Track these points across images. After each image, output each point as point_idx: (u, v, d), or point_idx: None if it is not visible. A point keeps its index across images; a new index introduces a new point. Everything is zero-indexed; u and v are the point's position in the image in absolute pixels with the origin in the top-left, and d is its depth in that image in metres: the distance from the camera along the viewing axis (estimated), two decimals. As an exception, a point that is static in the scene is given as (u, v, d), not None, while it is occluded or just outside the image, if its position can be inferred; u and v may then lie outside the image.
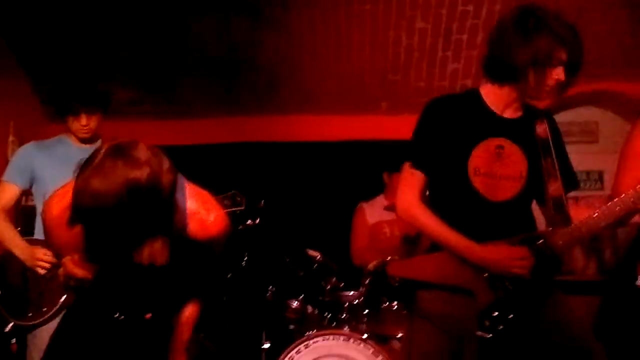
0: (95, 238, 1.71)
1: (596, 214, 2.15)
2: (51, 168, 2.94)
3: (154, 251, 1.84)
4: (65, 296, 2.79)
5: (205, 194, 2.07)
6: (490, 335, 2.11)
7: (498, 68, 2.22)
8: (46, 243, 2.84)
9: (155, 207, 1.67)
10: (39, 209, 2.96)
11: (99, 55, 4.65)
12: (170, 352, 2.16)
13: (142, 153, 1.65)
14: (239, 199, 3.34)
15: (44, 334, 2.76)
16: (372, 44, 4.71)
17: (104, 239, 1.70)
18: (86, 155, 2.90)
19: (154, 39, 4.66)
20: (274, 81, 4.99)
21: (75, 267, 1.98)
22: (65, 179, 2.88)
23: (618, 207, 2.13)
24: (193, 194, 1.96)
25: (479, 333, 2.12)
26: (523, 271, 2.14)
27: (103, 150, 1.66)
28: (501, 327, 2.12)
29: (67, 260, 2.05)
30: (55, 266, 2.77)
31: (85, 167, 1.65)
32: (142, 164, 1.63)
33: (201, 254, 2.04)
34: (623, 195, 2.14)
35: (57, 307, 2.79)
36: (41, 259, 2.78)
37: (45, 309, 2.80)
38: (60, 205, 1.84)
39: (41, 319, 2.80)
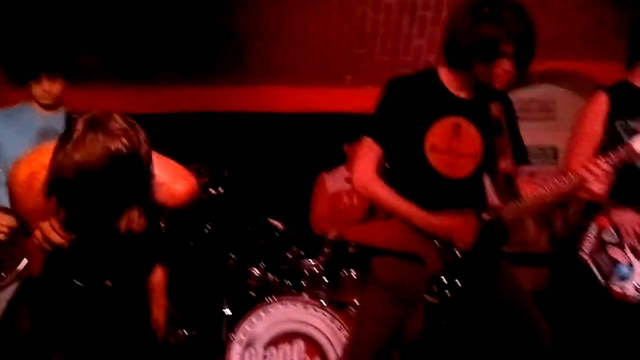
0: (76, 209, 1.74)
1: (544, 190, 2.24)
2: (12, 135, 2.92)
3: (132, 219, 1.88)
4: (24, 263, 2.80)
5: (172, 163, 2.10)
6: (438, 301, 2.21)
7: (449, 53, 2.28)
8: (8, 209, 2.86)
9: (135, 176, 1.71)
10: (2, 178, 2.95)
11: (62, 21, 4.57)
12: (153, 317, 2.21)
13: (120, 124, 1.68)
14: (203, 170, 3.36)
15: (2, 301, 2.75)
16: (338, 18, 4.72)
17: (85, 210, 1.73)
18: (49, 122, 2.96)
19: (119, 6, 4.59)
20: (240, 52, 4.97)
21: (52, 232, 2.00)
22: (29, 146, 2.88)
23: (564, 185, 2.21)
24: (161, 164, 2.00)
25: (427, 298, 2.22)
26: (466, 239, 2.24)
27: (81, 124, 1.67)
28: (448, 293, 2.22)
29: (45, 225, 2.06)
30: (14, 231, 2.78)
31: (64, 142, 1.67)
32: (121, 135, 1.66)
33: (169, 220, 2.08)
34: (570, 174, 2.21)
35: (16, 273, 2.80)
36: None
37: (3, 274, 2.81)
38: (26, 171, 1.87)
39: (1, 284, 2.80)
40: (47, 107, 3.01)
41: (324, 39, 4.91)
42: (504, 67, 2.19)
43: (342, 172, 4.35)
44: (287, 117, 5.18)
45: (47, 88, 2.92)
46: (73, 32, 4.60)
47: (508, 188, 2.33)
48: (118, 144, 1.64)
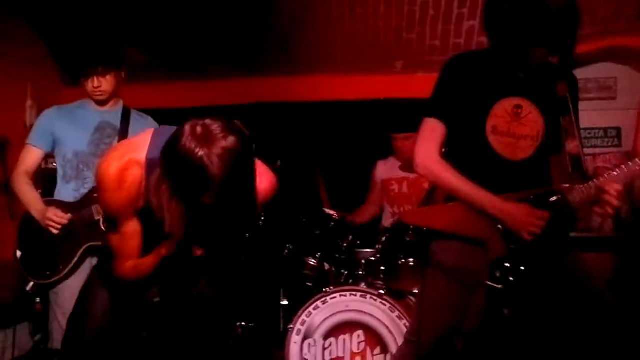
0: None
1: (615, 172, 2.15)
2: (71, 131, 3.01)
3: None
4: (79, 254, 2.88)
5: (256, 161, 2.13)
6: (500, 286, 2.15)
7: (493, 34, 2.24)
8: (64, 203, 2.92)
9: (249, 168, 1.76)
10: (60, 172, 3.04)
11: (112, 19, 4.64)
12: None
13: (219, 126, 1.71)
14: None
15: (66, 292, 2.87)
16: (387, 2, 4.65)
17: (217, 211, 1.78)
18: (105, 118, 3.04)
19: (167, 2, 4.63)
20: (288, 41, 4.95)
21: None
22: (88, 141, 2.98)
23: (638, 167, 2.13)
24: None
25: (489, 283, 2.16)
26: (535, 231, 2.16)
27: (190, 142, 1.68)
28: (512, 278, 2.15)
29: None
30: (66, 226, 2.86)
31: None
32: (227, 132, 1.69)
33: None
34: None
35: (73, 264, 2.88)
36: (50, 218, 2.84)
37: (61, 267, 2.89)
38: (118, 166, 1.91)
39: (57, 277, 2.88)
40: (100, 103, 3.06)
41: (372, 24, 4.84)
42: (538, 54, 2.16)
43: (393, 160, 4.35)
44: (337, 105, 5.14)
45: (96, 84, 2.96)
46: (122, 28, 4.67)
47: (576, 170, 2.24)
48: (232, 140, 1.68)
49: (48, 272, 2.89)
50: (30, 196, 2.97)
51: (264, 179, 2.05)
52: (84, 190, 2.96)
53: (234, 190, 1.69)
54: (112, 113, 3.09)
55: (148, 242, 2.06)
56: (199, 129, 1.68)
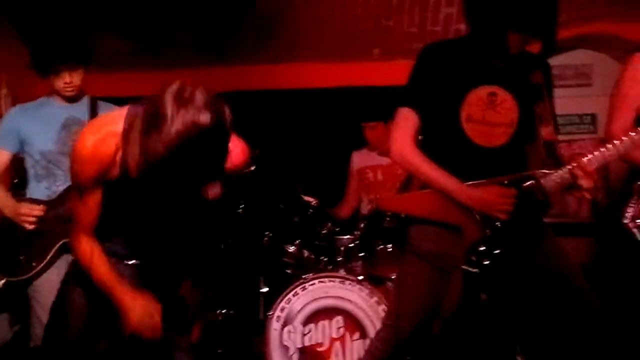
0: (163, 182, 1.75)
1: (589, 157, 2.19)
2: (37, 130, 2.94)
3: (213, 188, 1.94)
4: (54, 250, 2.85)
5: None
6: (476, 269, 2.18)
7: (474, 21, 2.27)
8: (37, 199, 2.89)
9: (220, 148, 1.73)
10: (31, 171, 2.98)
11: (87, 6, 4.57)
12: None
13: (205, 98, 1.68)
14: None
15: (44, 288, 2.83)
16: (364, -11, 4.65)
17: (172, 182, 1.75)
18: (72, 112, 2.99)
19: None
20: (266, 29, 4.93)
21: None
22: (56, 138, 2.93)
23: (609, 153, 2.18)
24: None
25: (465, 267, 2.19)
26: (504, 208, 2.19)
27: (170, 102, 1.65)
28: (487, 262, 2.18)
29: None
30: (40, 221, 2.83)
31: (158, 120, 1.65)
32: (208, 108, 1.66)
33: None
34: (616, 141, 2.18)
35: (46, 261, 2.85)
36: (24, 213, 2.81)
37: (34, 263, 2.85)
38: (92, 139, 1.89)
39: (30, 274, 2.85)
40: (69, 99, 3.00)
41: (351, 12, 4.83)
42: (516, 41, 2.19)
43: (367, 149, 4.40)
44: (314, 92, 5.13)
45: (68, 80, 2.89)
46: (101, 17, 4.61)
47: (550, 156, 2.27)
48: (207, 118, 1.64)
49: (19, 270, 2.86)
50: (0, 195, 2.92)
51: (236, 148, 2.05)
52: (56, 188, 2.91)
53: (185, 163, 1.66)
54: (78, 106, 3.01)
55: (119, 212, 2.05)
56: (186, 89, 1.67)
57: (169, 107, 1.63)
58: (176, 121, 1.62)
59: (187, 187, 1.84)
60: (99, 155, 1.88)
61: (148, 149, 1.66)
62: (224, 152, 1.75)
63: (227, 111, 1.75)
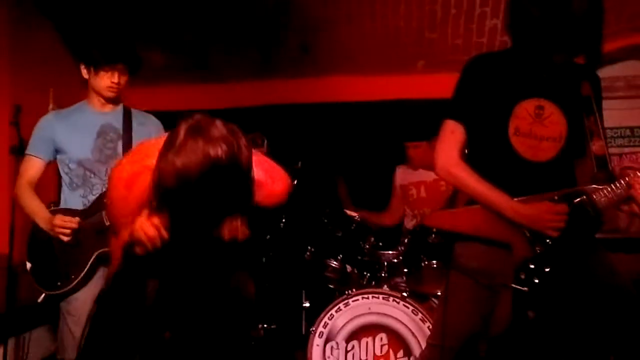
0: (177, 215, 1.74)
1: None
2: (73, 138, 2.90)
3: (234, 227, 1.88)
4: (91, 262, 2.80)
5: (268, 161, 2.09)
6: (526, 288, 2.11)
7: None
8: (73, 210, 2.85)
9: (235, 183, 1.69)
10: (66, 179, 2.94)
11: (131, 20, 4.66)
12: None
13: (220, 130, 1.67)
14: (259, 141, 3.30)
15: (78, 302, 2.79)
16: (407, 2, 4.62)
17: (186, 216, 1.73)
18: (107, 120, 2.97)
19: (186, 3, 4.64)
20: (308, 42, 4.94)
21: (149, 227, 1.90)
22: (92, 146, 2.90)
23: None
24: (258, 163, 1.96)
25: (515, 286, 2.13)
26: (557, 225, 2.12)
27: (182, 130, 1.67)
28: (537, 280, 2.11)
29: (143, 220, 1.95)
30: (75, 231, 2.77)
31: (167, 149, 1.67)
32: (221, 141, 1.65)
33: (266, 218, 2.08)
34: None
35: (84, 273, 2.79)
36: (58, 224, 2.75)
37: (73, 276, 2.80)
38: (129, 171, 1.90)
39: (69, 287, 2.79)
40: (109, 101, 2.95)
41: (394, 24, 4.81)
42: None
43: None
44: (359, 106, 5.11)
45: (116, 79, 2.87)
46: (143, 31, 4.69)
47: (601, 171, 2.20)
48: (217, 151, 1.63)
49: (59, 283, 2.81)
50: (34, 205, 2.87)
51: (278, 181, 2.02)
52: (92, 197, 2.87)
53: (196, 195, 1.64)
54: (113, 114, 2.98)
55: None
56: (202, 121, 1.66)
57: (181, 136, 1.63)
58: (183, 151, 1.60)
59: (204, 221, 1.80)
60: (135, 189, 1.87)
61: (157, 177, 1.65)
62: (240, 187, 1.72)
63: (245, 146, 1.72)
